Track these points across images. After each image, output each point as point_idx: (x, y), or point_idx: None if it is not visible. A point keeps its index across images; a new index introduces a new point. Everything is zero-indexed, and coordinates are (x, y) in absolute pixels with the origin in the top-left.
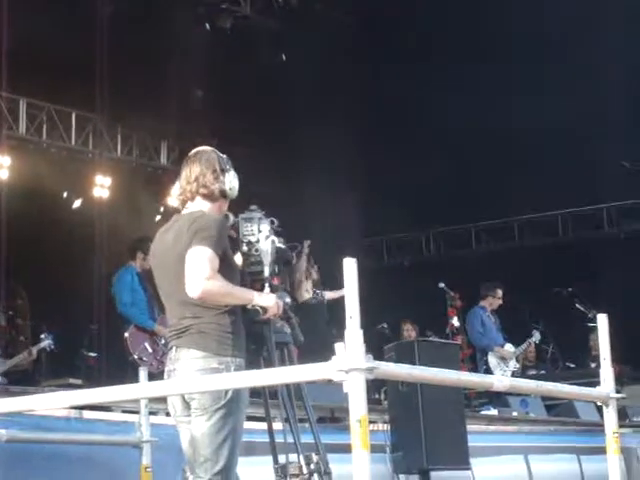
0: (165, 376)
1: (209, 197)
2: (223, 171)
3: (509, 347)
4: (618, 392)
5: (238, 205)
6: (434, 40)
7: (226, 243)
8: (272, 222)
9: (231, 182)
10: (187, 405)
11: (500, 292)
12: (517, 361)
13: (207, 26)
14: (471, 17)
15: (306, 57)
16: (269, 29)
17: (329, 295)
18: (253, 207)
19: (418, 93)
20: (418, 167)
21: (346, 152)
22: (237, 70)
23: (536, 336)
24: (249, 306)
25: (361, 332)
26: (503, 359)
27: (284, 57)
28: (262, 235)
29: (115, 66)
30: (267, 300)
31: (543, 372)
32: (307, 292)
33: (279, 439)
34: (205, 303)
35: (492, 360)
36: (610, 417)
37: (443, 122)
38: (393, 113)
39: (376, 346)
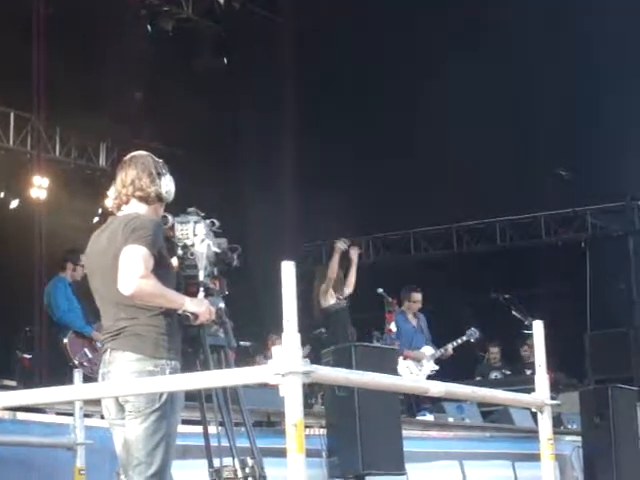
0: (99, 378)
1: (145, 200)
2: (159, 175)
3: (426, 350)
4: (553, 399)
5: (177, 208)
6: (372, 43)
7: (162, 244)
8: (212, 223)
9: (167, 185)
10: (121, 408)
11: (416, 296)
12: (435, 363)
13: (148, 28)
14: (407, 21)
15: (246, 60)
16: (210, 32)
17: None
18: (191, 210)
19: (358, 98)
20: (358, 173)
21: (285, 156)
22: (177, 72)
23: (469, 334)
24: (179, 311)
25: (298, 336)
26: (417, 361)
27: (225, 60)
28: (197, 239)
29: (54, 66)
30: (198, 306)
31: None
32: (331, 297)
33: (214, 443)
34: (137, 303)
35: (400, 364)
36: (545, 424)
37: (382, 129)
38: (333, 116)
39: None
